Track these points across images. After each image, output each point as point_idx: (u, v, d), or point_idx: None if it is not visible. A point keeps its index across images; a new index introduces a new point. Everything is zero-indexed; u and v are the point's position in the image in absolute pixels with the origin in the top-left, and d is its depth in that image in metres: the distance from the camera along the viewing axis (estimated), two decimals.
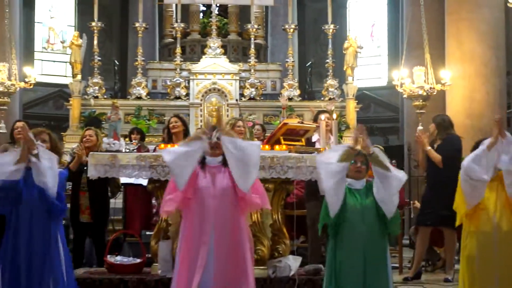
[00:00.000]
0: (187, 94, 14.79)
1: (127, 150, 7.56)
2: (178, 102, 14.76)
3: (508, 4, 11.57)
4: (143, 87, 14.94)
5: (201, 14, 19.00)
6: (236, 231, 5.64)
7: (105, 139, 7.88)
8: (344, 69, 14.55)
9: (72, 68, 14.46)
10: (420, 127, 12.36)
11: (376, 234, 5.57)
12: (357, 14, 22.46)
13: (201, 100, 14.60)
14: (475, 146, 6.14)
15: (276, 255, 7.37)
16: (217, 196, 5.61)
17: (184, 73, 15.03)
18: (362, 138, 5.59)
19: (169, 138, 9.23)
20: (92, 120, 12.15)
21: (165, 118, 14.38)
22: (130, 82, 15.42)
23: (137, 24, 15.11)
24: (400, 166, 13.07)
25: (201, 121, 14.41)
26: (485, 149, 5.86)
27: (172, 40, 17.34)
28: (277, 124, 11.56)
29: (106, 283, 7.19)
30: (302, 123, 8.75)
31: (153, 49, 19.90)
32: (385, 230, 5.60)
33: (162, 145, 7.54)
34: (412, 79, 13.13)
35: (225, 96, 14.61)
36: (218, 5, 16.30)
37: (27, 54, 19.66)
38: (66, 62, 19.01)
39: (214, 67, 14.80)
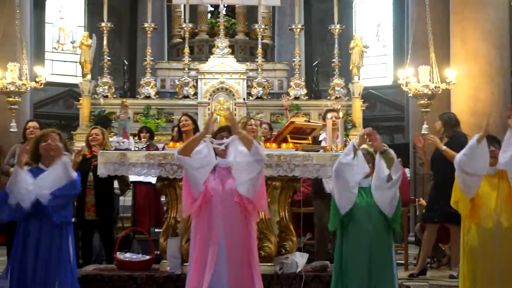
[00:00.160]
0: (195, 93, 14.84)
1: (136, 149, 7.63)
2: (187, 101, 14.81)
3: None
4: (152, 87, 15.00)
5: (209, 15, 19.05)
6: (245, 232, 5.67)
7: (114, 138, 7.93)
8: (350, 68, 14.59)
9: (82, 68, 14.49)
10: (424, 131, 12.47)
11: (382, 231, 5.65)
12: (363, 14, 22.37)
13: (209, 99, 14.68)
14: None
15: (283, 252, 7.43)
16: (226, 198, 5.63)
17: (192, 73, 15.08)
18: (374, 137, 5.64)
19: (179, 136, 9.38)
20: (101, 119, 12.20)
21: (173, 117, 14.50)
22: (139, 82, 15.42)
23: (146, 25, 15.15)
24: (405, 164, 13.18)
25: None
26: (475, 142, 5.83)
27: (181, 40, 17.40)
28: (283, 123, 11.65)
29: (116, 280, 7.24)
30: (309, 121, 8.77)
31: (161, 49, 19.93)
32: (390, 228, 5.67)
33: (171, 144, 7.65)
34: (417, 78, 13.19)
35: (233, 95, 14.69)
36: (225, 5, 16.35)
37: (38, 54, 19.71)
38: (76, 62, 19.16)
39: (222, 67, 14.86)
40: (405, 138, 16.16)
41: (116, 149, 7.49)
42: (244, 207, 5.64)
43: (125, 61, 18.27)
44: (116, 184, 9.07)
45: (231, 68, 14.87)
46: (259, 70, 15.12)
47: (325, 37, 20.75)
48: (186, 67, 15.04)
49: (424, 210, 10.04)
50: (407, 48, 14.94)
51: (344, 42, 16.13)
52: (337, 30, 15.06)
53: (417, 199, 11.82)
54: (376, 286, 5.57)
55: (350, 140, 11.15)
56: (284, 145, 7.60)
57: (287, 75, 16.17)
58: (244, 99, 14.22)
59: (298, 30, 15.51)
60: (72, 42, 20.55)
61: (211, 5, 18.79)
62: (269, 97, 15.10)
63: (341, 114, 8.13)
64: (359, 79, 14.65)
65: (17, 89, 12.82)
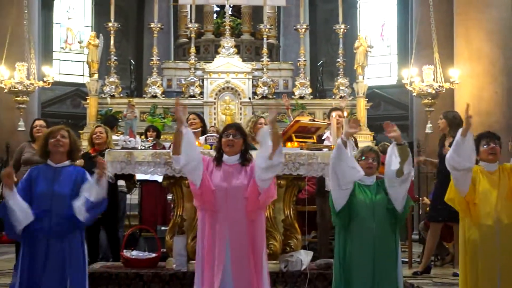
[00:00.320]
0: (201, 93, 14.93)
1: (143, 148, 7.69)
2: (193, 101, 14.89)
3: None
4: (158, 86, 15.08)
5: (215, 15, 19.13)
6: (251, 230, 5.60)
7: (121, 137, 7.99)
8: (355, 68, 14.66)
9: (89, 67, 14.58)
10: (428, 130, 12.52)
11: (386, 229, 5.61)
12: (367, 14, 22.38)
13: (214, 98, 14.77)
14: (476, 140, 6.11)
15: (288, 250, 7.47)
16: (230, 195, 5.57)
17: (198, 72, 15.16)
18: (392, 129, 5.62)
19: None
20: (108, 118, 12.28)
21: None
22: (146, 81, 15.51)
23: (152, 25, 15.23)
24: None
25: (214, 118, 14.62)
26: (460, 137, 5.83)
27: (187, 40, 17.47)
28: (287, 122, 11.70)
29: (122, 277, 7.26)
30: (313, 120, 8.77)
31: (168, 49, 20.01)
32: (395, 225, 5.65)
33: None
34: (421, 78, 13.25)
35: (238, 94, 14.77)
36: (231, 5, 16.41)
37: (46, 54, 19.79)
38: (83, 61, 19.21)
39: (228, 66, 14.96)
40: (409, 137, 16.18)
41: (122, 148, 7.54)
42: (253, 203, 5.60)
43: (131, 60, 18.32)
44: (122, 182, 9.13)
45: (237, 68, 14.95)
46: (265, 69, 15.19)
47: (330, 37, 20.77)
48: (192, 66, 15.11)
49: (428, 209, 10.09)
50: (411, 48, 14.99)
51: (348, 42, 16.17)
52: (341, 30, 15.14)
53: (421, 198, 11.86)
54: (379, 284, 5.55)
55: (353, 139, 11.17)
56: (289, 144, 7.63)
57: (292, 74, 16.25)
58: (249, 98, 14.28)
59: (303, 30, 15.58)
60: (80, 42, 20.63)
61: (217, 5, 18.89)
62: (274, 96, 15.15)
63: (345, 113, 8.17)
64: (363, 78, 14.71)
65: (25, 89, 12.83)
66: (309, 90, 15.13)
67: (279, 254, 7.40)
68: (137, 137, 7.83)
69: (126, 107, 11.04)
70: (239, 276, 5.53)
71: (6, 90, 12.85)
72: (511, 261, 5.92)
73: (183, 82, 15.27)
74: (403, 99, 19.07)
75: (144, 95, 15.23)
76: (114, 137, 9.86)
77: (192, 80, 15.02)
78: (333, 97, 14.97)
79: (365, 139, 14.07)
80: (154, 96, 14.99)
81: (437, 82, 13.19)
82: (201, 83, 15.00)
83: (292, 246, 7.54)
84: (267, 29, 15.48)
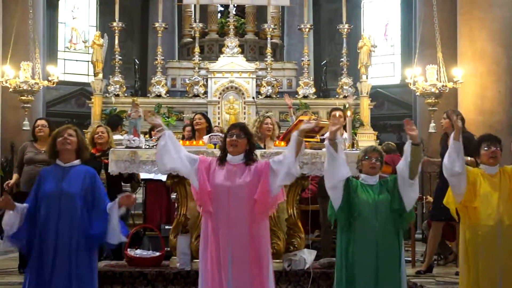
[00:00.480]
0: (205, 92, 14.91)
1: (147, 147, 7.73)
2: (197, 100, 14.90)
3: None
4: (162, 86, 15.06)
5: (219, 14, 19.14)
6: (253, 230, 5.58)
7: (125, 136, 8.03)
8: (358, 67, 14.61)
9: (94, 67, 14.55)
10: (432, 129, 12.53)
11: (389, 229, 5.62)
12: (371, 14, 22.36)
13: (218, 98, 14.78)
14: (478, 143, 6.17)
15: (292, 249, 7.52)
16: (233, 194, 5.56)
17: (203, 72, 15.14)
18: (412, 127, 5.66)
19: (193, 135, 9.52)
20: (113, 118, 12.30)
21: (184, 115, 14.64)
22: (150, 81, 15.49)
23: (157, 24, 15.20)
24: None
25: (218, 118, 14.66)
26: (454, 141, 5.88)
27: (191, 39, 17.45)
28: (291, 121, 11.69)
29: (126, 276, 7.32)
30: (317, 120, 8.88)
31: (172, 49, 20.03)
32: (399, 225, 5.66)
33: (181, 142, 7.75)
34: (424, 77, 13.28)
35: (242, 94, 14.78)
36: (235, 5, 16.40)
37: (51, 53, 19.86)
38: (88, 61, 19.24)
39: (232, 66, 14.95)
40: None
41: (127, 147, 7.58)
42: (262, 204, 5.62)
43: (136, 60, 18.39)
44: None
45: (241, 67, 14.96)
46: (268, 69, 15.16)
47: (334, 36, 20.83)
48: (196, 66, 15.12)
49: (430, 208, 10.10)
50: (415, 47, 15.02)
51: (352, 42, 16.18)
52: (345, 30, 15.13)
53: (424, 197, 11.87)
54: (382, 283, 5.57)
55: (357, 138, 11.20)
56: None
57: (296, 74, 16.23)
58: (253, 97, 14.28)
59: (307, 29, 15.58)
60: (84, 42, 20.62)
61: (221, 5, 18.91)
62: (278, 96, 15.10)
63: (349, 113, 8.16)
64: (367, 78, 14.69)
65: (30, 88, 12.86)
66: (313, 90, 15.13)
67: (283, 253, 7.44)
68: (141, 136, 7.86)
69: (131, 106, 11.06)
70: (240, 275, 5.53)
71: (11, 90, 12.88)
72: None
73: (187, 81, 15.27)
74: (407, 98, 19.07)
75: (148, 95, 15.23)
76: (119, 136, 9.91)
77: (196, 80, 15.02)
78: (337, 96, 14.98)
79: (369, 139, 14.10)
80: (159, 96, 14.98)
81: (440, 81, 13.22)
82: (205, 83, 14.99)
83: (296, 245, 7.58)
84: (271, 29, 15.46)
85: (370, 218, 5.60)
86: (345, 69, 15.07)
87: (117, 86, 14.79)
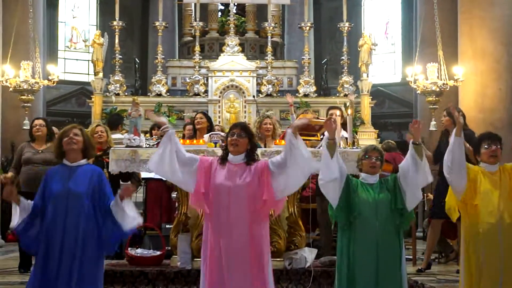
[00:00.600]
0: (206, 91, 14.92)
1: (147, 146, 7.73)
2: (197, 99, 14.90)
3: None
4: (163, 85, 15.07)
5: (219, 13, 19.17)
6: (253, 229, 5.55)
7: (125, 135, 8.04)
8: (359, 66, 14.65)
9: (94, 66, 14.58)
10: (432, 128, 12.51)
11: (390, 228, 5.63)
12: (372, 12, 22.36)
13: (219, 96, 14.79)
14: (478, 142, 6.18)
15: (292, 247, 7.54)
16: (233, 194, 5.54)
17: (203, 71, 15.16)
18: (416, 128, 5.71)
19: (194, 134, 9.53)
20: (113, 117, 12.30)
21: (184, 114, 14.65)
22: (150, 80, 15.51)
23: (157, 23, 15.22)
24: None
25: (219, 117, 14.66)
26: (456, 137, 5.92)
27: (191, 38, 17.49)
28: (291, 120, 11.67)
29: (127, 275, 7.34)
30: (317, 118, 8.86)
31: (172, 48, 20.06)
32: (399, 224, 5.66)
33: (181, 141, 7.74)
34: (425, 76, 13.30)
35: (243, 92, 14.79)
36: (236, 4, 16.41)
37: (51, 52, 19.86)
38: (88, 60, 19.26)
39: (232, 65, 14.97)
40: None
41: (127, 146, 7.59)
42: (272, 203, 5.60)
43: (136, 59, 18.41)
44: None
45: (241, 66, 14.97)
46: (269, 67, 15.17)
47: (334, 35, 20.83)
48: (196, 65, 15.13)
49: (431, 206, 10.10)
50: (416, 45, 15.04)
51: (353, 40, 16.18)
52: (346, 28, 15.15)
53: (425, 194, 11.86)
54: (383, 282, 5.58)
55: (357, 136, 11.19)
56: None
57: (297, 72, 16.25)
58: (254, 96, 14.29)
59: (308, 28, 15.59)
60: (85, 41, 20.56)
61: (222, 4, 18.93)
62: (278, 94, 15.14)
63: (349, 111, 8.13)
64: (367, 76, 14.72)
65: (30, 87, 12.85)
66: (314, 88, 15.13)
67: (283, 251, 7.45)
68: (142, 135, 7.86)
69: (131, 105, 11.08)
70: (240, 274, 5.52)
71: (11, 89, 12.86)
72: None
73: (188, 80, 15.27)
74: (407, 96, 19.08)
75: (148, 94, 15.25)
76: (119, 135, 9.91)
77: (197, 79, 15.03)
78: (337, 95, 15.00)
79: (369, 137, 14.12)
80: (159, 95, 14.99)
81: (441, 79, 13.23)
82: (205, 81, 15.00)
83: (296, 244, 7.60)
84: (271, 27, 15.46)
85: (371, 217, 5.61)
86: (345, 68, 15.08)
87: (118, 85, 14.80)
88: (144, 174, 9.48)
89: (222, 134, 8.20)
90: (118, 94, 14.74)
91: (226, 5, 17.77)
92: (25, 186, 8.47)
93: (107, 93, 14.68)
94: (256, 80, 14.96)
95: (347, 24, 15.17)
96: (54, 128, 9.11)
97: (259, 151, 5.90)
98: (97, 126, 9.23)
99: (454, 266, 9.23)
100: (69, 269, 5.36)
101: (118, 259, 8.42)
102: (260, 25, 17.46)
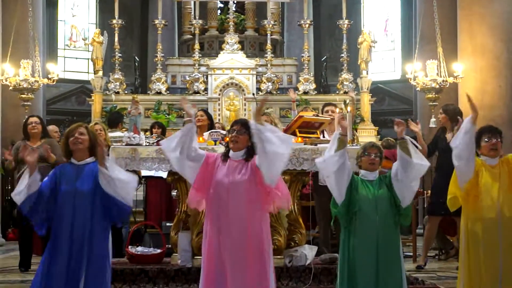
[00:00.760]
0: (205, 89, 14.94)
1: (147, 144, 7.74)
2: (197, 97, 14.86)
3: None
4: (162, 83, 15.10)
5: (219, 11, 19.11)
6: (253, 225, 5.53)
7: (125, 133, 8.05)
8: (359, 63, 14.66)
9: (94, 64, 14.60)
10: (432, 124, 12.52)
11: (389, 224, 5.66)
12: (371, 9, 22.27)
13: (219, 94, 14.80)
14: (477, 134, 6.18)
15: (293, 245, 7.55)
16: (231, 190, 5.53)
17: (203, 69, 15.18)
18: (403, 127, 5.77)
19: None
20: (113, 115, 12.31)
21: (184, 112, 14.63)
22: (150, 78, 15.54)
23: (156, 21, 15.26)
24: None
25: (219, 114, 14.66)
26: (472, 125, 5.99)
27: (191, 36, 17.44)
28: (291, 117, 11.69)
29: (128, 273, 7.33)
30: (317, 116, 8.80)
31: (172, 46, 20.01)
32: (397, 220, 5.69)
33: None
34: (425, 73, 13.32)
35: (242, 90, 14.80)
36: (235, 2, 16.41)
37: (50, 51, 19.82)
38: (88, 59, 19.15)
39: (232, 63, 14.99)
40: (413, 132, 16.19)
41: (127, 144, 7.59)
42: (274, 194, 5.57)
43: (136, 57, 18.40)
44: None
45: (241, 64, 14.98)
46: (269, 65, 15.19)
47: (334, 32, 20.79)
48: (196, 63, 15.15)
49: (429, 202, 10.10)
50: (415, 42, 15.03)
51: (352, 37, 16.18)
52: (345, 26, 15.17)
53: (425, 191, 11.86)
54: (383, 278, 5.58)
55: (357, 134, 11.19)
56: (292, 139, 7.66)
57: (296, 70, 16.25)
58: (253, 94, 14.29)
59: (307, 25, 15.61)
60: (84, 39, 20.58)
61: (221, 2, 18.92)
62: (278, 92, 15.18)
63: (349, 109, 8.13)
64: (367, 73, 14.73)
65: (30, 86, 12.90)
66: (313, 86, 15.15)
67: (284, 249, 7.44)
68: (141, 133, 7.86)
69: (131, 103, 11.09)
70: (241, 271, 5.50)
71: (11, 88, 12.90)
72: None
73: (188, 78, 15.30)
74: (407, 93, 19.08)
75: (148, 92, 15.27)
76: (119, 133, 9.91)
77: (196, 77, 15.04)
78: (337, 92, 15.02)
79: (369, 134, 14.13)
80: (159, 93, 15.01)
81: (441, 76, 13.25)
82: (205, 79, 15.02)
83: (297, 241, 7.61)
84: (271, 25, 15.48)
85: (371, 213, 5.64)
86: (345, 65, 15.11)
87: (117, 83, 14.83)
88: (144, 172, 9.48)
89: (222, 132, 8.21)
90: (118, 93, 14.75)
91: (226, 3, 17.73)
92: None
93: (107, 92, 14.70)
94: (256, 78, 14.97)
95: (346, 21, 15.19)
96: (53, 127, 9.10)
97: None
98: (95, 124, 9.22)
99: (455, 262, 9.20)
100: (77, 268, 5.37)
101: (119, 257, 8.40)
102: (259, 22, 17.44)
